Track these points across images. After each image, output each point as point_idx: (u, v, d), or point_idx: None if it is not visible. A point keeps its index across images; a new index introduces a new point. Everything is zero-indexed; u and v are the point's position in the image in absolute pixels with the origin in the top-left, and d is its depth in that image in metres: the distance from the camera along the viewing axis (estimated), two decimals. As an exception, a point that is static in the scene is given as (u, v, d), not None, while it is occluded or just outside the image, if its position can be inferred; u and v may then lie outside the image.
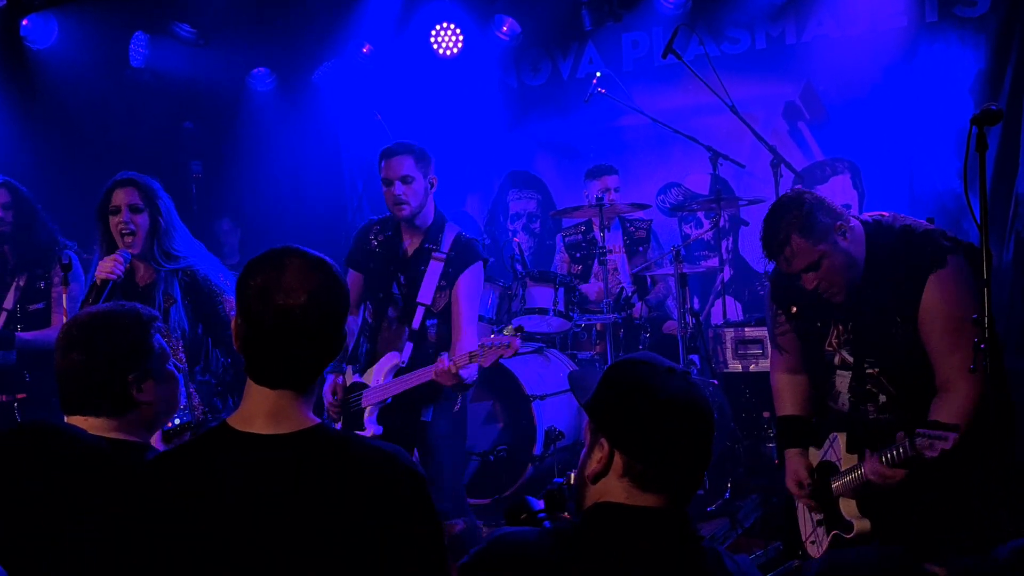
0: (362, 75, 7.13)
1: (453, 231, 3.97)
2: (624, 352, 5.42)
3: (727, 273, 6.59)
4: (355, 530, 1.64)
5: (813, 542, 3.29)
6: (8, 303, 4.50)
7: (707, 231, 5.96)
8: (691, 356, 5.31)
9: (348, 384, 4.01)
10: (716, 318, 6.31)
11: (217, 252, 6.91)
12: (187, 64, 6.47)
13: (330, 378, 4.04)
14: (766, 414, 5.49)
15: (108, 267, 3.53)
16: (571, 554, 1.66)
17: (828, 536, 3.20)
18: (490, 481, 5.04)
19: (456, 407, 3.99)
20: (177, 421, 3.41)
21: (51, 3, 5.73)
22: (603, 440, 1.72)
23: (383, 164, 3.87)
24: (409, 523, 1.68)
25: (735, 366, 5.50)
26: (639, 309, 5.75)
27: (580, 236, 6.09)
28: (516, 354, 3.56)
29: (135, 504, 1.69)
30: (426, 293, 3.89)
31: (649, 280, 5.91)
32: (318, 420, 1.78)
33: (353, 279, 4.08)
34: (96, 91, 6.10)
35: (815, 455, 3.28)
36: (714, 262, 6.30)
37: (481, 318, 5.07)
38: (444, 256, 3.90)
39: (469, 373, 3.65)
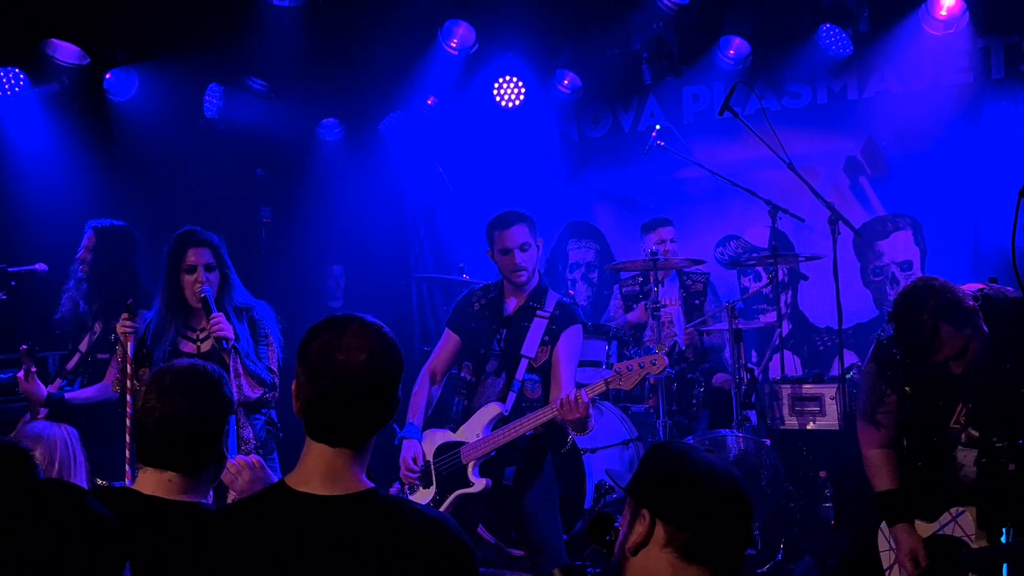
0: (426, 125, 7.30)
1: (555, 297, 4.08)
2: (677, 406, 5.41)
3: (786, 328, 6.53)
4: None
5: None
6: (83, 345, 4.61)
7: (765, 285, 5.93)
8: (746, 412, 5.26)
9: (437, 446, 4.00)
10: (774, 373, 6.25)
11: (325, 293, 7.23)
12: (259, 115, 6.68)
13: (407, 445, 3.97)
14: (823, 474, 5.38)
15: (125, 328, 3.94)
16: None
17: None
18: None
19: (543, 471, 3.97)
20: None
21: (133, 59, 6.01)
22: (644, 512, 1.73)
23: (498, 235, 3.96)
24: None
25: (791, 423, 5.41)
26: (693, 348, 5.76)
27: (637, 287, 6.12)
28: (663, 371, 3.67)
29: (195, 561, 1.77)
30: (530, 346, 3.96)
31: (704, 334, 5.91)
32: (371, 484, 1.84)
33: (449, 341, 4.16)
34: (173, 140, 6.32)
35: (924, 528, 3.25)
36: (772, 316, 6.26)
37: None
38: (548, 314, 4.00)
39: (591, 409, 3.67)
